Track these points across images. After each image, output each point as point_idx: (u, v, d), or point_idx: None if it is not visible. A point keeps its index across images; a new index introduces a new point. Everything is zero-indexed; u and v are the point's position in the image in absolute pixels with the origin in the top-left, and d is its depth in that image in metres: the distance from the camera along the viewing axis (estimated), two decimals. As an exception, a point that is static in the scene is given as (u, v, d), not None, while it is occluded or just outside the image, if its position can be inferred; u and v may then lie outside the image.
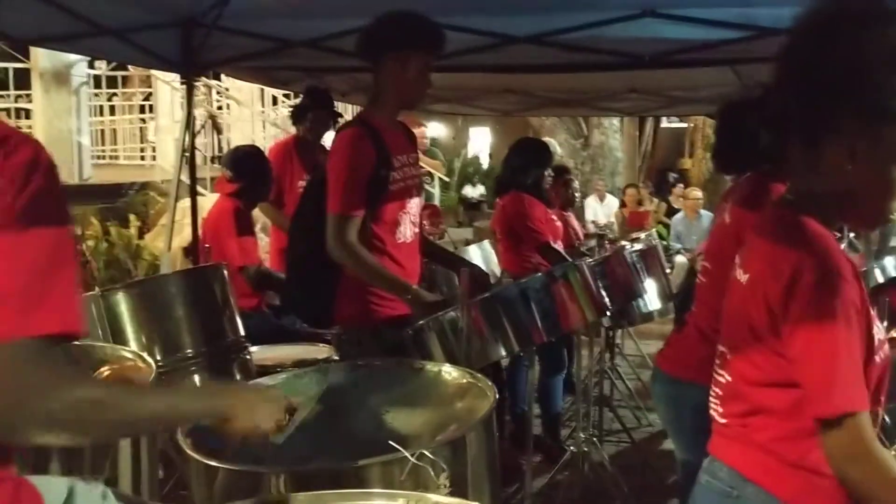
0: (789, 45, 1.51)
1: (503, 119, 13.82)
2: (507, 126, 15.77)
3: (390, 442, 1.55)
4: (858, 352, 1.38)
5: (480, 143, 20.72)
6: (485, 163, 20.30)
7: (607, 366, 5.21)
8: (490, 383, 1.85)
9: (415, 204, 2.92)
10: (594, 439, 4.22)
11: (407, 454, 1.50)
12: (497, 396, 1.77)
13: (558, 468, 4.03)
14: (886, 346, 1.53)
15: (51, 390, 1.07)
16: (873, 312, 1.49)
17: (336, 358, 3.21)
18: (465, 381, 1.95)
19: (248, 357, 3.29)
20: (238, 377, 3.15)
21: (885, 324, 2.65)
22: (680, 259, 7.28)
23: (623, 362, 5.97)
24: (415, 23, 2.73)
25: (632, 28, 3.70)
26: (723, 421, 1.62)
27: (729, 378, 1.59)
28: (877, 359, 1.47)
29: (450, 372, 2.01)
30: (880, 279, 3.87)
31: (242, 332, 3.25)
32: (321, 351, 3.66)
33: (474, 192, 18.91)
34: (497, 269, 4.64)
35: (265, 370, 3.16)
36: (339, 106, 6.66)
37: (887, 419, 2.00)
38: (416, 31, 2.72)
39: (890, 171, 1.44)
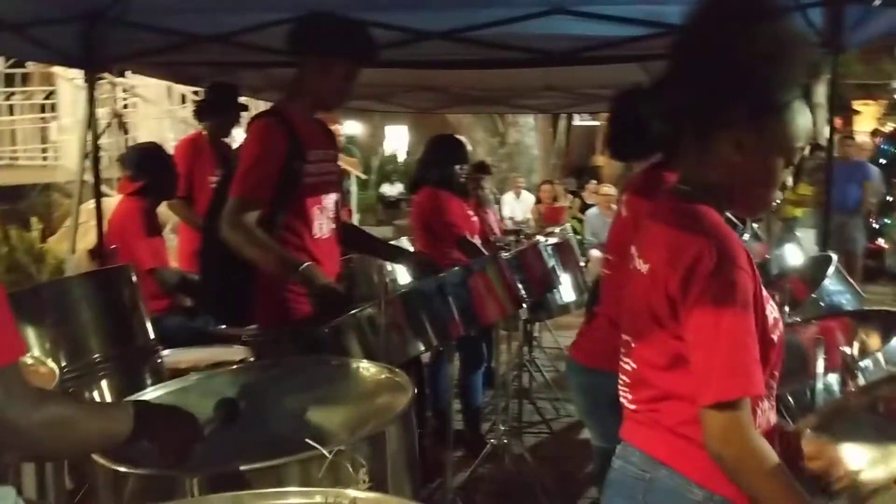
0: (680, 40, 1.56)
1: (421, 117, 13.82)
2: (424, 124, 15.77)
3: (307, 440, 1.52)
4: (750, 336, 1.42)
5: (398, 140, 20.70)
6: (403, 160, 20.28)
7: (526, 358, 5.27)
8: (408, 378, 1.84)
9: (332, 200, 2.89)
10: (514, 431, 4.27)
11: (324, 451, 1.48)
12: (416, 391, 1.76)
13: (480, 461, 4.05)
14: (781, 325, 1.59)
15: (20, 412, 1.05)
16: (766, 294, 1.55)
17: (251, 359, 3.16)
18: (383, 376, 1.94)
19: (159, 360, 3.19)
20: (149, 381, 3.05)
21: (787, 309, 2.75)
22: (595, 253, 7.45)
23: (541, 354, 6.05)
24: (346, 29, 2.69)
25: (542, 25, 3.75)
26: (632, 407, 1.66)
27: (634, 365, 1.63)
28: (773, 338, 1.53)
29: (368, 368, 1.99)
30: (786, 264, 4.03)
31: (153, 336, 3.15)
32: (236, 352, 3.58)
33: (393, 190, 18.87)
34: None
35: (178, 373, 3.08)
36: (252, 103, 6.55)
37: (791, 399, 2.08)
38: (345, 39, 2.68)
39: (773, 161, 1.51)
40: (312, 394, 1.98)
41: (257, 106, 7.81)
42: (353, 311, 2.62)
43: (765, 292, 1.52)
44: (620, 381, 1.70)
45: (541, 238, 4.26)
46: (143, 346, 3.09)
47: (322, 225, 2.83)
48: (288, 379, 2.03)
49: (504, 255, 3.03)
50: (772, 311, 1.52)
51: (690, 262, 1.43)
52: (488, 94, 6.81)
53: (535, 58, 4.09)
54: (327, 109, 2.94)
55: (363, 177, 13.13)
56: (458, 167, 4.44)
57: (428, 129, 15.27)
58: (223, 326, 3.72)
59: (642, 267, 1.58)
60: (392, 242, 5.08)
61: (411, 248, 4.94)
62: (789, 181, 1.56)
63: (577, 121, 18.66)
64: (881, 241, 9.96)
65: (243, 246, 2.64)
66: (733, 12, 1.46)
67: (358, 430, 1.78)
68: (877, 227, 10.03)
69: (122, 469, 1.54)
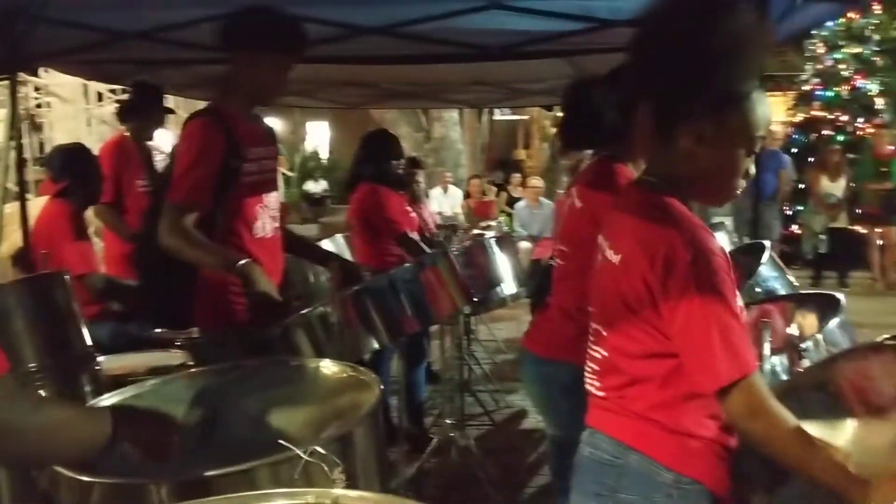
0: (641, 34, 1.59)
1: (343, 113, 13.72)
2: (346, 120, 15.67)
3: (280, 441, 1.50)
4: (736, 318, 1.48)
5: (319, 137, 20.49)
6: (325, 157, 20.09)
7: (465, 352, 5.30)
8: (374, 375, 1.83)
9: (273, 198, 2.85)
10: (458, 425, 4.29)
11: (299, 452, 1.46)
12: (382, 387, 1.76)
13: (427, 456, 4.06)
14: (745, 313, 1.65)
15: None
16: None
17: (191, 363, 3.09)
18: (346, 374, 1.92)
19: (97, 368, 3.10)
20: (87, 389, 2.96)
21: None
22: (524, 245, 7.53)
23: (478, 347, 6.11)
24: (276, 23, 2.65)
25: (478, 20, 3.76)
26: (601, 394, 1.69)
27: (605, 353, 1.66)
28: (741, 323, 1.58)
29: (329, 367, 1.97)
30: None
31: (90, 342, 3.06)
32: (174, 357, 3.51)
33: (317, 187, 18.68)
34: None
35: (117, 380, 2.99)
36: (180, 102, 6.39)
37: None
38: (278, 33, 2.64)
39: (736, 151, 1.56)
40: (275, 395, 1.95)
41: (179, 103, 7.65)
42: (303, 311, 2.59)
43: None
44: (588, 369, 1.73)
45: (484, 233, 4.30)
46: (80, 354, 2.99)
47: (264, 224, 2.78)
48: (247, 381, 1.99)
49: (453, 249, 3.04)
50: (738, 298, 1.57)
51: (667, 254, 1.47)
52: (417, 89, 6.77)
53: (471, 53, 4.10)
54: (264, 104, 2.89)
55: (289, 174, 12.96)
56: (394, 162, 4.43)
57: (350, 126, 15.18)
58: (160, 331, 3.65)
59: (613, 258, 1.61)
60: (325, 241, 5.05)
61: (346, 246, 4.92)
62: (752, 170, 1.61)
63: (499, 115, 18.82)
64: (795, 228, 10.36)
65: (182, 250, 2.58)
66: (695, 5, 1.49)
67: (324, 430, 1.76)
68: (790, 213, 10.45)
69: (87, 479, 1.49)
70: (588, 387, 1.73)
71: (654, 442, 1.58)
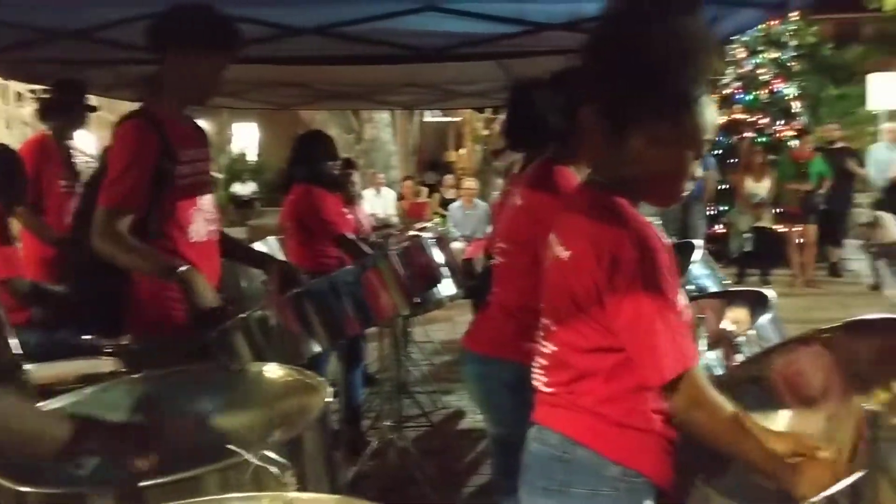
0: (597, 37, 1.62)
1: (271, 114, 13.56)
2: (275, 121, 15.49)
3: (229, 446, 1.48)
4: (679, 314, 1.53)
5: (247, 138, 20.20)
6: (253, 159, 19.82)
7: (402, 354, 5.30)
8: (321, 379, 1.82)
9: (208, 200, 2.80)
10: (396, 427, 4.29)
11: (249, 456, 1.44)
12: (331, 390, 1.75)
13: (365, 458, 4.05)
14: (687, 311, 1.70)
15: None
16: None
17: (124, 370, 3.01)
18: (291, 378, 1.91)
19: (25, 377, 3.00)
20: (15, 399, 2.86)
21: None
22: (457, 245, 7.56)
23: (415, 349, 6.11)
24: (209, 20, 2.60)
25: (413, 21, 3.77)
26: (549, 390, 1.71)
27: (554, 348, 1.69)
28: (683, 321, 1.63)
29: (274, 371, 1.95)
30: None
31: (17, 350, 2.95)
32: (105, 364, 3.41)
33: (245, 189, 18.42)
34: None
35: (47, 389, 2.90)
36: (104, 101, 6.21)
37: None
38: (211, 31, 2.59)
39: (684, 154, 1.60)
40: (219, 400, 1.92)
41: (103, 103, 7.43)
42: (242, 315, 2.55)
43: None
44: (536, 365, 1.75)
45: (421, 234, 4.30)
46: (6, 362, 2.89)
47: (199, 228, 2.73)
48: (190, 387, 1.96)
49: (392, 250, 3.03)
50: (681, 297, 1.62)
51: (614, 252, 1.51)
52: (350, 90, 6.74)
53: (405, 54, 4.11)
54: (197, 104, 2.84)
55: (217, 176, 12.74)
56: (329, 163, 4.40)
57: (279, 127, 15.01)
58: (90, 337, 3.54)
59: (563, 255, 1.64)
60: (256, 244, 4.98)
61: (279, 248, 4.86)
62: (699, 172, 1.66)
63: (429, 117, 18.87)
64: (719, 228, 10.67)
65: (117, 255, 2.51)
66: (651, 10, 1.53)
67: (270, 434, 1.75)
68: (714, 214, 10.76)
69: (25, 489, 1.44)
70: (536, 383, 1.75)
71: (602, 436, 1.61)
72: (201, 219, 2.74)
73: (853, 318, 1.88)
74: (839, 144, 10.50)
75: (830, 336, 1.88)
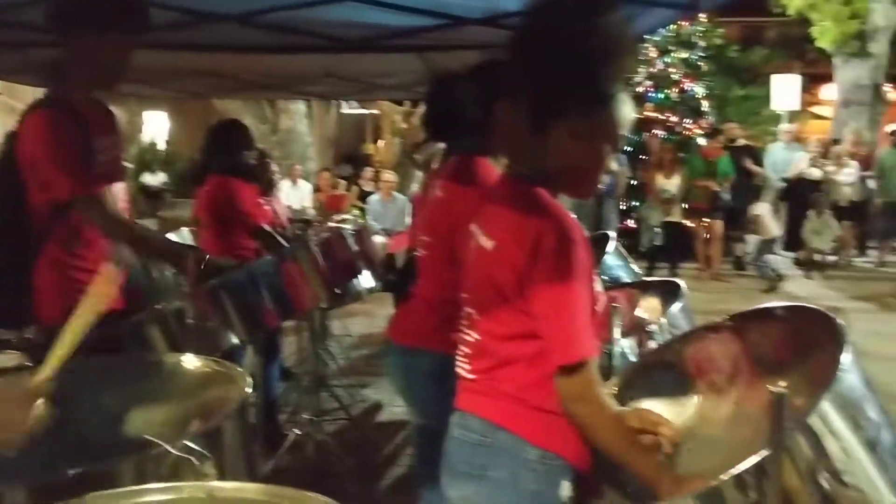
0: (524, 32, 1.65)
1: (182, 103, 13.22)
2: (186, 110, 15.08)
3: (146, 437, 1.45)
4: (590, 305, 1.58)
5: (157, 127, 19.62)
6: (163, 149, 19.28)
7: (320, 347, 5.26)
8: (240, 369, 1.80)
9: (120, 188, 2.73)
10: (315, 420, 4.26)
11: (168, 447, 1.42)
12: (250, 380, 1.73)
13: (282, 452, 4.01)
14: (603, 297, 1.75)
15: None
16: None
17: (29, 364, 2.91)
18: (210, 369, 1.87)
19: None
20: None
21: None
22: (378, 239, 7.55)
23: (333, 342, 6.08)
24: (117, 2, 2.52)
25: (333, 11, 3.74)
26: (471, 377, 1.74)
27: (477, 336, 1.72)
28: (598, 308, 1.68)
29: (192, 362, 1.92)
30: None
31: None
32: (9, 358, 3.28)
33: (154, 180, 17.89)
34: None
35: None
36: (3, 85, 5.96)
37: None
38: (118, 12, 2.51)
39: (603, 147, 1.66)
40: (134, 392, 1.87)
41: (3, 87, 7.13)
42: (157, 306, 2.50)
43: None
44: (459, 353, 1.78)
45: (341, 226, 4.27)
46: None
47: None
48: (104, 378, 1.90)
49: (313, 241, 3.01)
50: (596, 284, 1.67)
51: (534, 241, 1.54)
52: (267, 80, 6.61)
53: (325, 45, 4.08)
54: (107, 88, 2.76)
55: (129, 166, 12.35)
56: (246, 153, 4.33)
57: (190, 116, 14.64)
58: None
59: (487, 244, 1.67)
60: (170, 234, 4.86)
61: (192, 240, 4.75)
62: (614, 166, 1.71)
63: (347, 109, 18.72)
64: (630, 222, 10.95)
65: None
66: (577, 8, 1.56)
67: (192, 425, 1.71)
68: (625, 208, 11.03)
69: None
70: (459, 370, 1.78)
71: (522, 420, 1.65)
72: (115, 206, 2.66)
73: (759, 307, 1.97)
74: (741, 143, 10.92)
75: (738, 324, 1.96)
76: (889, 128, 11.76)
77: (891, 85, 16.77)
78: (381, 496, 3.93)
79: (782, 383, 1.42)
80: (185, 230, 5.13)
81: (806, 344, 1.83)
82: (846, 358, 1.55)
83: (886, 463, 1.55)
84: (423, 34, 4.14)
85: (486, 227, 1.70)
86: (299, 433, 4.12)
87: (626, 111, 1.64)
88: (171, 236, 4.79)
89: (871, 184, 10.99)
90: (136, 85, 6.26)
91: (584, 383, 1.55)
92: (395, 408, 5.07)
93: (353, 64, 5.48)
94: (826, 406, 1.48)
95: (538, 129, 1.62)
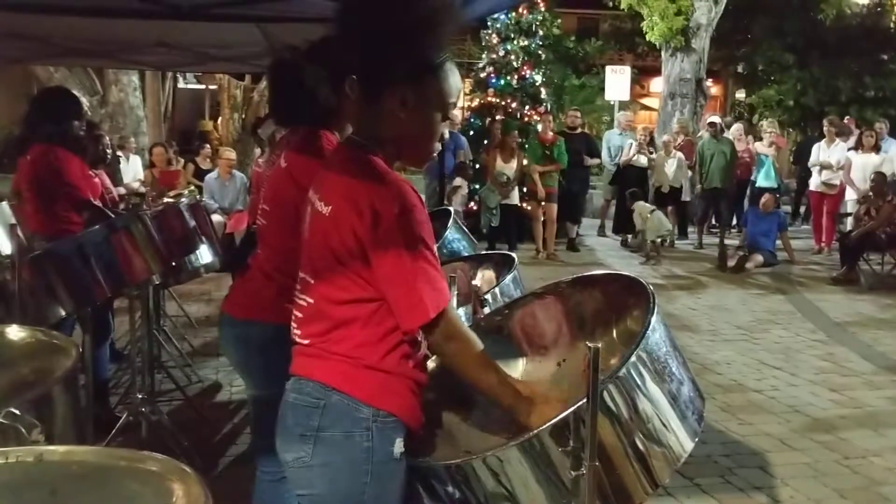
0: (345, 8, 1.69)
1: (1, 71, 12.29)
2: (4, 78, 14.00)
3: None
4: (436, 260, 1.65)
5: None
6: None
7: (154, 327, 5.08)
8: (71, 339, 1.74)
9: None
10: (149, 401, 4.13)
11: (-9, 416, 1.37)
12: (81, 351, 1.69)
13: (115, 433, 3.87)
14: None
15: None
16: None
17: None
18: (36, 340, 1.81)
19: None
20: None
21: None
22: (216, 218, 7.35)
23: (167, 323, 5.89)
24: None
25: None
26: (304, 342, 1.77)
27: (311, 301, 1.75)
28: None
29: (17, 332, 1.84)
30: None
31: None
32: None
33: (-32, 153, 16.52)
34: (21, 233, 4.20)
35: None
36: None
37: None
38: None
39: (433, 115, 1.73)
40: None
41: None
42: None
43: None
44: (293, 318, 1.80)
45: (175, 200, 4.14)
46: None
47: None
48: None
49: (147, 212, 2.92)
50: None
51: (375, 207, 1.60)
52: (92, 47, 6.17)
53: (156, 10, 3.91)
54: None
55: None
56: (76, 123, 4.10)
57: (9, 84, 13.59)
58: None
59: (324, 209, 1.70)
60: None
61: (11, 215, 4.46)
62: (447, 133, 1.78)
63: (183, 84, 18.02)
64: (472, 205, 11.21)
65: None
66: None
67: (20, 394, 1.65)
68: (466, 191, 11.27)
69: None
70: (293, 336, 1.80)
71: (355, 381, 1.69)
72: None
73: (580, 274, 2.12)
74: (579, 130, 11.43)
75: (561, 289, 2.11)
76: (708, 119, 12.66)
77: (711, 80, 18.07)
78: (219, 473, 3.87)
79: (598, 343, 1.56)
80: (3, 204, 4.79)
81: (620, 306, 1.99)
82: (654, 318, 1.71)
83: (685, 414, 1.73)
84: (262, 4, 4.07)
85: (323, 193, 1.74)
86: (132, 414, 3.99)
87: (454, 80, 1.72)
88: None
89: (690, 172, 11.82)
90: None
91: (448, 327, 1.65)
92: (234, 387, 5.00)
93: (187, 33, 5.26)
94: (636, 360, 1.63)
95: (370, 99, 1.68)
